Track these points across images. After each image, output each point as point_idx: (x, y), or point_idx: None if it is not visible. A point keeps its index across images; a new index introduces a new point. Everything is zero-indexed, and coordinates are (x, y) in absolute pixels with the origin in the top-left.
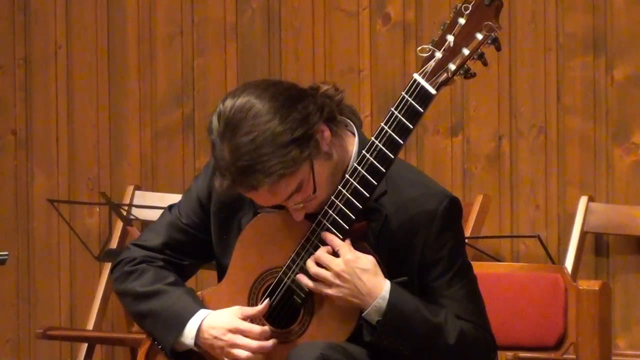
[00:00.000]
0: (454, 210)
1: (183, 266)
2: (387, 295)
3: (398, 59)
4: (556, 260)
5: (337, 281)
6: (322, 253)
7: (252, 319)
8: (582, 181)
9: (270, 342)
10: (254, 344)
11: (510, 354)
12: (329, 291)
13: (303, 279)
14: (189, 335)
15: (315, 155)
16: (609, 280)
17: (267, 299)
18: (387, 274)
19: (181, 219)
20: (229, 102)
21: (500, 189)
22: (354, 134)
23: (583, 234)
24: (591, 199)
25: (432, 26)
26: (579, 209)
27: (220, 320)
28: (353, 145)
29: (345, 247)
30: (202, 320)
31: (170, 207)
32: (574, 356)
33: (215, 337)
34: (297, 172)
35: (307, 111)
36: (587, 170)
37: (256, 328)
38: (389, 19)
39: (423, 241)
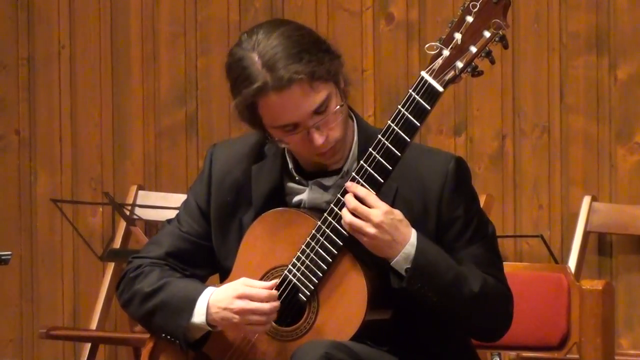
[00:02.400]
0: (463, 168)
1: (185, 276)
2: (415, 242)
3: (401, 59)
4: (559, 259)
5: (375, 232)
6: (357, 204)
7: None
8: (585, 181)
9: (278, 303)
10: (266, 306)
11: (513, 353)
12: (364, 239)
13: (343, 222)
14: (199, 313)
15: (339, 83)
16: (612, 280)
17: (276, 280)
18: None
19: (181, 228)
20: (249, 31)
21: (503, 188)
22: (351, 118)
23: (586, 234)
24: (594, 199)
25: (436, 26)
26: (582, 209)
27: (225, 291)
28: (353, 128)
29: (378, 200)
30: (210, 296)
31: (169, 220)
32: (577, 356)
33: (225, 308)
34: (328, 82)
35: (329, 43)
36: (591, 169)
37: (263, 291)
38: (392, 18)
39: (437, 203)
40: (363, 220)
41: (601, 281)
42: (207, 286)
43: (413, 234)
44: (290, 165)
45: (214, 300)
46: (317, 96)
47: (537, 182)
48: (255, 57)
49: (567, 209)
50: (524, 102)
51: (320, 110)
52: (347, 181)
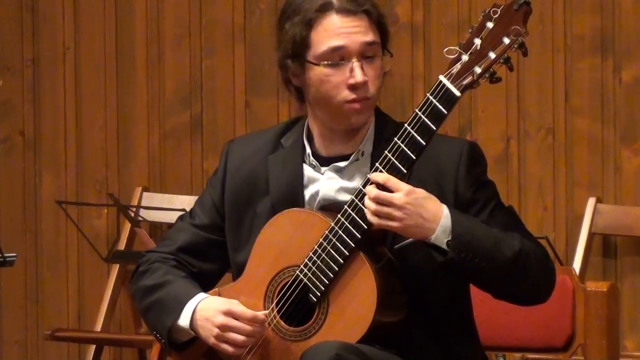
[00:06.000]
0: (477, 151)
1: (195, 274)
2: (449, 214)
3: (406, 60)
4: (564, 261)
5: (400, 214)
6: (379, 191)
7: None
8: (590, 182)
9: (262, 329)
10: (247, 327)
11: (518, 355)
12: (394, 224)
13: (368, 214)
14: (186, 315)
15: (386, 43)
16: (616, 281)
17: (266, 311)
18: None
19: (193, 222)
20: None
21: (508, 190)
22: None
23: (591, 235)
24: (599, 200)
25: (440, 27)
26: (587, 210)
27: (214, 303)
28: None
29: (400, 182)
30: (199, 302)
31: (181, 217)
32: (582, 357)
33: (207, 319)
34: (381, 34)
35: None
36: (595, 171)
37: (249, 312)
38: (397, 19)
39: (454, 185)
40: (387, 206)
41: (606, 283)
42: (201, 291)
43: (444, 208)
44: (308, 151)
45: (200, 309)
46: (373, 35)
47: (541, 184)
48: None
49: (571, 210)
50: (528, 104)
51: (369, 54)
52: (362, 162)
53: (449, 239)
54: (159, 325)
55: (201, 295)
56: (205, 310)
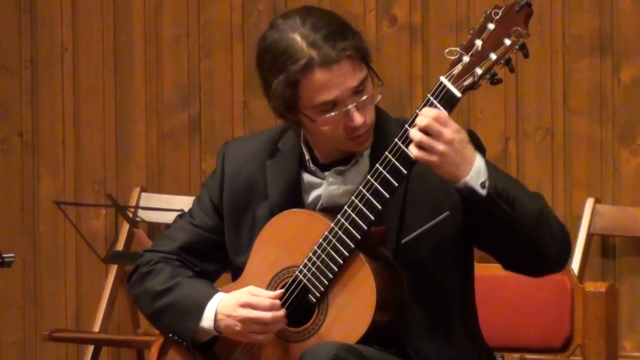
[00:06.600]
0: (476, 138)
1: (197, 273)
2: (482, 159)
3: (404, 61)
4: None
5: (445, 148)
6: (431, 121)
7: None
8: (588, 183)
9: (282, 312)
10: (268, 315)
11: (516, 355)
12: (434, 158)
13: (410, 146)
14: (208, 317)
15: (370, 66)
16: (615, 282)
17: (281, 290)
18: (431, 213)
19: (193, 222)
20: (284, 15)
21: None
22: None
23: (589, 236)
24: (597, 201)
25: (439, 28)
26: (586, 211)
27: (231, 298)
28: None
29: (450, 119)
30: (219, 302)
31: (180, 215)
32: (580, 358)
33: (228, 316)
34: (364, 62)
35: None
36: (594, 172)
37: (266, 300)
38: (395, 20)
39: None
40: (433, 138)
41: (604, 283)
42: (217, 291)
43: (477, 153)
44: (307, 157)
45: (221, 307)
46: (359, 74)
47: (540, 185)
48: (298, 37)
49: (570, 211)
50: (527, 105)
51: (360, 89)
52: (361, 163)
53: (484, 180)
54: (178, 329)
55: (219, 294)
56: (225, 308)
